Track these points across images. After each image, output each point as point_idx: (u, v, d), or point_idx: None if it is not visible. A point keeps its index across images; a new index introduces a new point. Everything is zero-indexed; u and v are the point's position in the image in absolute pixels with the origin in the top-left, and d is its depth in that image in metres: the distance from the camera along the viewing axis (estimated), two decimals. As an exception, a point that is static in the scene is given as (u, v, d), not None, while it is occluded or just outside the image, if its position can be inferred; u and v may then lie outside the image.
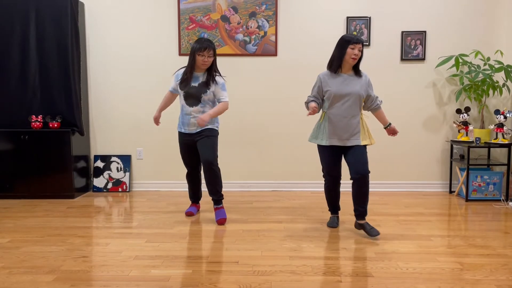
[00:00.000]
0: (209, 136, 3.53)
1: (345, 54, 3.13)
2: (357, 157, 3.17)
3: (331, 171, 3.35)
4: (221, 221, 3.57)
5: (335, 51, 3.20)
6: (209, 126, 3.55)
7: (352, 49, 3.11)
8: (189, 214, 3.83)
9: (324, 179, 3.44)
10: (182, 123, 3.60)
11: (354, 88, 3.18)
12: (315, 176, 4.87)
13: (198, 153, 3.67)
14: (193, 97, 3.50)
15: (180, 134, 3.64)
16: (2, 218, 3.77)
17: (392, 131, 3.38)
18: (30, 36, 4.46)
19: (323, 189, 3.52)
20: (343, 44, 3.13)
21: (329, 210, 3.60)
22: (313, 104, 3.18)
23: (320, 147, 3.34)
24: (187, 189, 4.89)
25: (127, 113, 4.85)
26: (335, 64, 3.19)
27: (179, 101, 3.96)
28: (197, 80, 3.50)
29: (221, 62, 4.74)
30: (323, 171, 3.40)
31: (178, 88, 3.58)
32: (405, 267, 2.65)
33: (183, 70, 3.59)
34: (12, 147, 4.44)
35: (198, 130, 3.55)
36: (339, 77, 3.21)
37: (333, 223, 3.51)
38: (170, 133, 4.85)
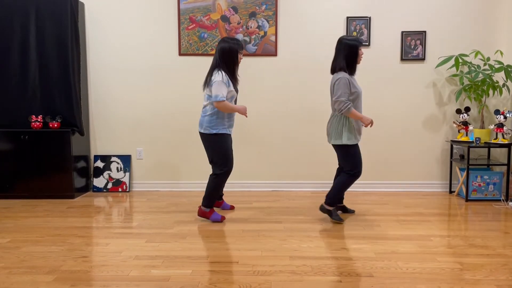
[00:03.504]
0: None
1: (358, 56, 3.46)
2: None
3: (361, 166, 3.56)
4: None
5: (347, 55, 3.43)
6: None
7: (360, 50, 3.47)
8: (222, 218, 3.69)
9: (354, 177, 3.51)
10: (229, 125, 3.54)
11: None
12: (315, 176, 4.87)
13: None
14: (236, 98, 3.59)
15: (227, 136, 3.53)
16: (2, 218, 3.77)
17: None
18: (30, 36, 4.46)
19: (346, 185, 3.54)
20: (356, 47, 3.43)
21: (335, 203, 3.63)
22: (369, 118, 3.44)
23: (354, 146, 3.50)
24: (187, 189, 4.89)
25: (127, 113, 4.85)
26: (353, 66, 3.47)
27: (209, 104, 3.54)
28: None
29: (221, 62, 4.75)
30: (356, 169, 3.49)
31: (231, 91, 3.46)
32: (405, 267, 2.65)
33: (222, 74, 3.40)
34: (12, 147, 4.44)
35: None
36: (353, 78, 3.48)
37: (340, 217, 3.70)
38: (170, 133, 4.85)
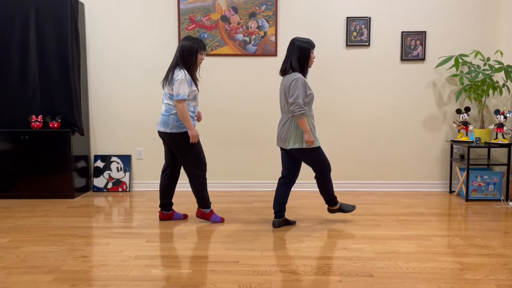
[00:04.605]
0: None
1: (310, 59, 3.36)
2: None
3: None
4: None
5: (299, 57, 3.31)
6: None
7: (312, 54, 3.35)
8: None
9: (329, 173, 3.45)
10: (194, 124, 3.46)
11: None
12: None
13: None
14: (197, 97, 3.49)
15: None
16: (2, 218, 3.77)
17: None
18: (30, 36, 4.46)
19: (328, 184, 3.46)
20: (308, 49, 3.32)
21: (336, 199, 3.55)
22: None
23: (319, 148, 3.38)
24: (187, 189, 4.89)
25: (127, 113, 4.85)
26: (306, 67, 3.37)
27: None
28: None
29: (221, 62, 4.75)
30: (327, 165, 3.41)
31: (194, 91, 3.38)
32: (405, 267, 2.65)
33: (185, 72, 3.33)
34: (12, 147, 4.44)
35: None
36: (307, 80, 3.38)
37: (350, 206, 3.64)
38: (170, 133, 4.85)
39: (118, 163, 4.87)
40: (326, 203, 3.56)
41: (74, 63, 4.50)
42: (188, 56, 3.35)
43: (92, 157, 4.91)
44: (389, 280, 2.47)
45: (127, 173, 4.87)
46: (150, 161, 4.90)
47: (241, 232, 3.36)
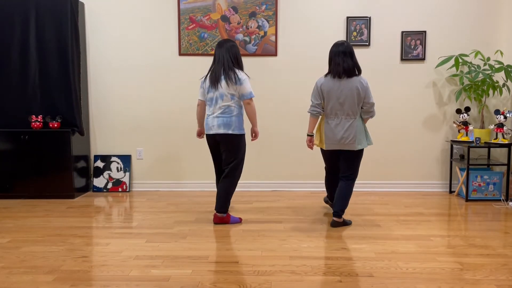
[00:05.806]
0: None
1: None
2: None
3: None
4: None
5: (355, 58, 3.36)
6: None
7: None
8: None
9: (355, 180, 3.54)
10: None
11: None
12: (315, 176, 4.87)
13: None
14: None
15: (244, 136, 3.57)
16: (2, 218, 3.77)
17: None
18: (30, 36, 4.46)
19: (351, 191, 3.51)
20: None
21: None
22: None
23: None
24: (187, 189, 4.89)
25: (127, 113, 4.85)
26: None
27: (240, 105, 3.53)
28: None
29: (221, 62, 4.74)
30: (357, 173, 3.52)
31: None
32: (405, 267, 2.65)
33: (243, 72, 3.47)
34: (12, 147, 4.44)
35: None
36: None
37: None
38: (170, 133, 4.85)
39: (118, 163, 4.87)
40: (336, 211, 3.44)
41: (74, 63, 4.50)
42: (239, 58, 3.49)
43: (92, 157, 4.91)
44: (389, 280, 2.47)
45: (127, 173, 4.87)
46: (150, 161, 4.90)
47: (241, 232, 3.36)
